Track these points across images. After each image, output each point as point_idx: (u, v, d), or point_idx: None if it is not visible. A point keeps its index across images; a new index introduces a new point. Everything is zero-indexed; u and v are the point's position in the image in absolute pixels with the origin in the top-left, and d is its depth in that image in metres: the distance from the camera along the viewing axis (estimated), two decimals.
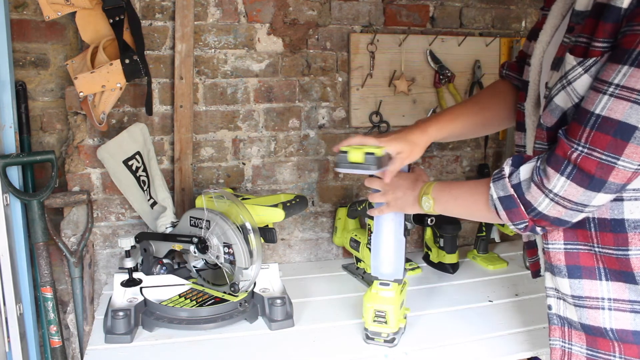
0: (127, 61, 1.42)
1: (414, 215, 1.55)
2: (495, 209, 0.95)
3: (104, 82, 1.41)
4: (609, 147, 0.79)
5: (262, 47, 1.69)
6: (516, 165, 0.94)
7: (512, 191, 0.92)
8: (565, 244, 0.95)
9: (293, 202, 1.47)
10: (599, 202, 0.85)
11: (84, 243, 1.60)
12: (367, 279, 1.58)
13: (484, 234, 1.82)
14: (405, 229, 1.56)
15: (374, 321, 1.23)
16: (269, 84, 1.72)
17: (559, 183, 0.85)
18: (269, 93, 1.72)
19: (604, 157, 0.80)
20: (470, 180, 1.09)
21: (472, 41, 1.83)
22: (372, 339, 1.24)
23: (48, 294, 1.54)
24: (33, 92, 1.57)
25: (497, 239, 1.85)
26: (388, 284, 1.26)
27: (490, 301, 1.49)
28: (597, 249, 0.91)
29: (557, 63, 0.92)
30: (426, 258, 1.81)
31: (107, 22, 1.44)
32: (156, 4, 1.58)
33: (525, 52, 1.16)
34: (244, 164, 1.74)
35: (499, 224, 1.75)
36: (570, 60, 0.86)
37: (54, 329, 1.56)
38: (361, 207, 1.67)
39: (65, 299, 1.64)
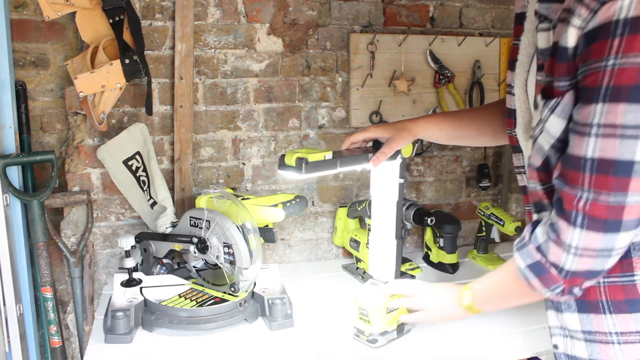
0: (127, 61, 1.42)
1: (413, 215, 1.55)
2: (526, 278, 0.90)
3: (104, 82, 1.41)
4: (614, 188, 0.77)
5: (262, 47, 1.69)
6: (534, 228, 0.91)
7: (538, 256, 0.88)
8: None
9: (293, 202, 1.47)
10: (624, 242, 0.81)
11: (84, 243, 1.60)
12: (367, 279, 1.58)
13: (484, 234, 1.82)
14: (405, 229, 1.57)
15: (360, 319, 1.24)
16: (269, 84, 1.72)
17: (574, 235, 0.82)
18: (269, 93, 1.72)
19: (611, 198, 0.78)
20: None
21: (472, 41, 1.83)
22: (358, 335, 1.25)
23: (48, 294, 1.54)
24: (33, 92, 1.57)
25: (497, 239, 1.85)
26: (377, 284, 1.28)
27: None
28: (601, 280, 0.89)
29: (536, 104, 0.91)
30: (426, 258, 1.81)
31: (107, 22, 1.44)
32: (156, 4, 1.58)
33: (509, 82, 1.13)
34: (244, 164, 1.74)
35: (499, 224, 1.75)
36: (539, 101, 0.86)
37: (54, 329, 1.55)
38: (361, 207, 1.67)
39: (65, 299, 1.64)
